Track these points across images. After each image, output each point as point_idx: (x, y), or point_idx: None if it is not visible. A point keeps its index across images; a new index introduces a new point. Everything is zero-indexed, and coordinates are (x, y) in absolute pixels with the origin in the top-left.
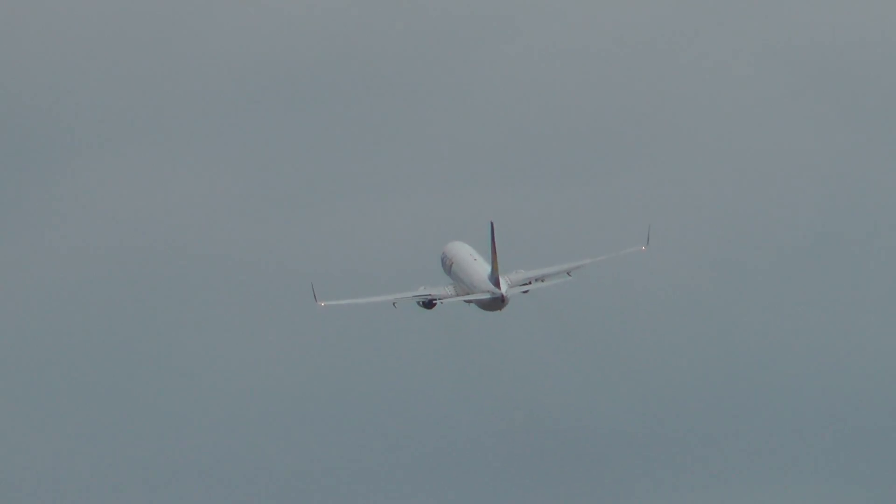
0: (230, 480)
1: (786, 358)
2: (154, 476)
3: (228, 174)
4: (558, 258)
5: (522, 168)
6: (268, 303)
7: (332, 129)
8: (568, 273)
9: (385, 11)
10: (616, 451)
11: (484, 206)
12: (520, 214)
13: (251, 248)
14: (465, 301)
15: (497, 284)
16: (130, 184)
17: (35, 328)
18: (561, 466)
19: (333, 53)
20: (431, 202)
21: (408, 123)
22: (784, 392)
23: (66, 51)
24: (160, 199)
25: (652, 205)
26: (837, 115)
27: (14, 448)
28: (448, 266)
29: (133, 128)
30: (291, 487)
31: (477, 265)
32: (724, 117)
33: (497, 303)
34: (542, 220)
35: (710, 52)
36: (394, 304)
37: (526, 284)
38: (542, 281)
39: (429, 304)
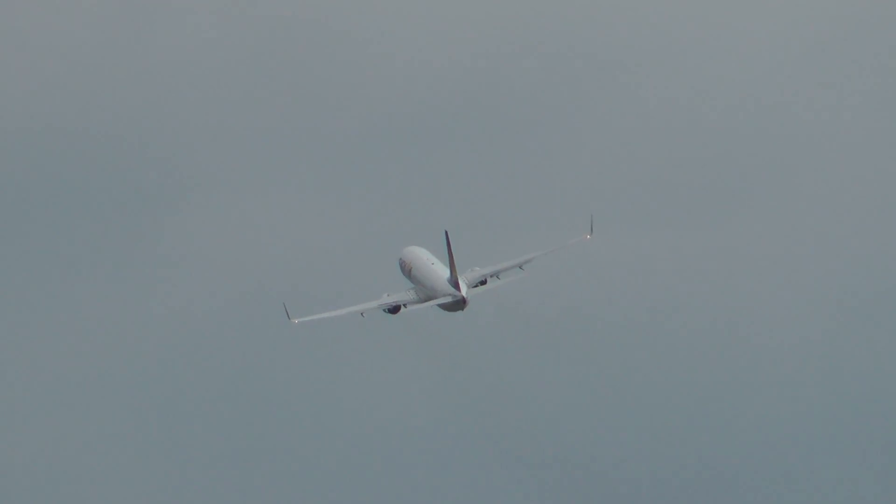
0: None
1: (763, 349)
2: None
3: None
4: (508, 254)
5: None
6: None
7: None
8: (520, 267)
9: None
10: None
11: (431, 209)
12: (466, 215)
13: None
14: (426, 305)
15: (457, 287)
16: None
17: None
18: (541, 470)
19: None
20: (380, 209)
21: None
22: (759, 381)
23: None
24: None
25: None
26: None
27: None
28: (407, 271)
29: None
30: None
31: (436, 269)
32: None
33: (459, 304)
34: (489, 219)
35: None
36: (362, 314)
37: (482, 284)
38: (498, 277)
39: (394, 309)
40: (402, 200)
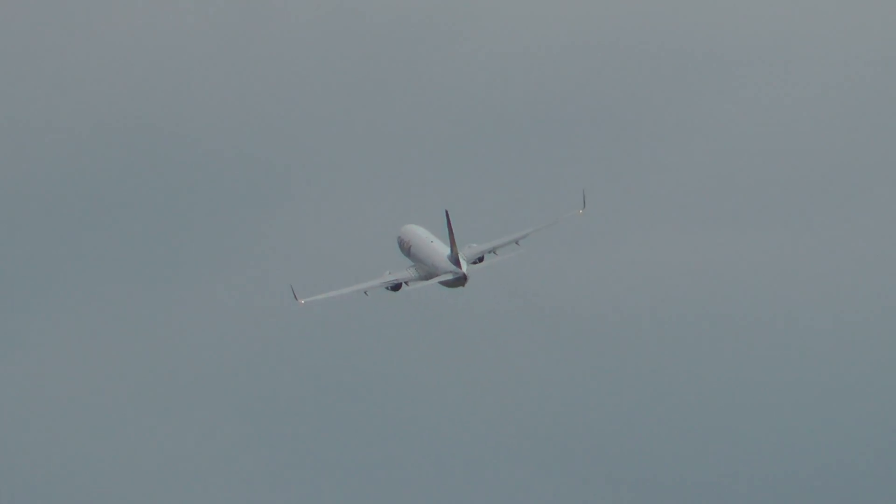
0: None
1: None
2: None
3: None
4: (503, 230)
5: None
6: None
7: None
8: (516, 242)
9: None
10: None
11: (424, 188)
12: (457, 192)
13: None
14: (428, 283)
15: (458, 264)
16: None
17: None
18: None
19: None
20: (375, 188)
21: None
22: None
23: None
24: None
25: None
26: None
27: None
28: (406, 249)
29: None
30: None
31: (435, 247)
32: None
33: (460, 281)
34: (480, 195)
35: None
36: (365, 292)
37: (479, 260)
38: (495, 253)
39: (396, 287)
40: (397, 180)
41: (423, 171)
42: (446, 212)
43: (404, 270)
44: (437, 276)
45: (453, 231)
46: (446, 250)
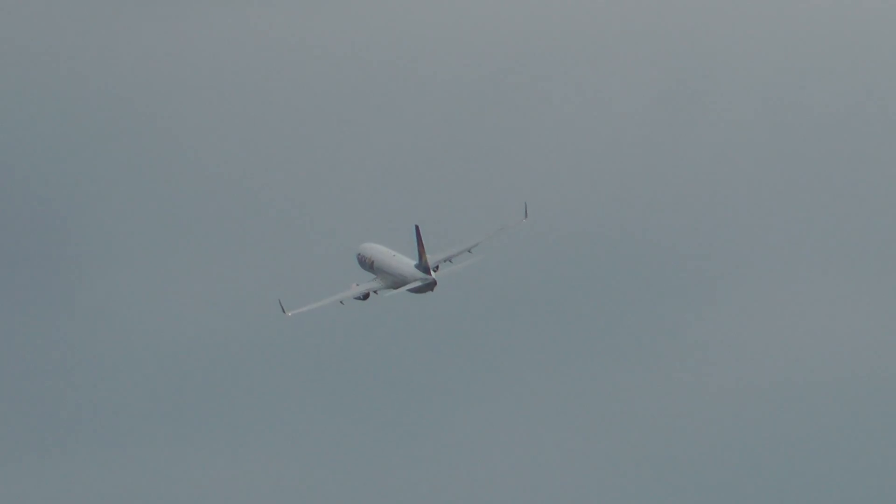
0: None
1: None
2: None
3: None
4: (452, 240)
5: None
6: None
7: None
8: (469, 251)
9: None
10: None
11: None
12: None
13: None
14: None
15: (427, 272)
16: None
17: None
18: None
19: None
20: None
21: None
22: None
23: None
24: None
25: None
26: None
27: None
28: (369, 265)
29: None
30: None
31: (399, 259)
32: None
33: (430, 286)
34: (424, 206)
35: None
36: (341, 302)
37: (435, 269)
38: (451, 262)
39: (365, 296)
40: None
41: (371, 188)
42: (416, 226)
43: (369, 282)
44: (405, 284)
45: (423, 242)
46: (411, 261)
